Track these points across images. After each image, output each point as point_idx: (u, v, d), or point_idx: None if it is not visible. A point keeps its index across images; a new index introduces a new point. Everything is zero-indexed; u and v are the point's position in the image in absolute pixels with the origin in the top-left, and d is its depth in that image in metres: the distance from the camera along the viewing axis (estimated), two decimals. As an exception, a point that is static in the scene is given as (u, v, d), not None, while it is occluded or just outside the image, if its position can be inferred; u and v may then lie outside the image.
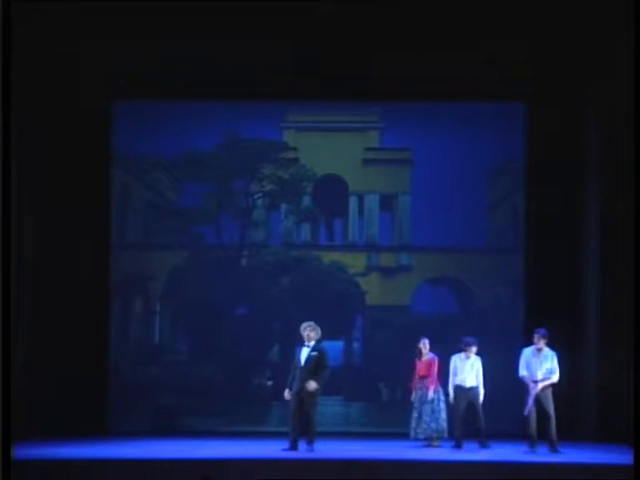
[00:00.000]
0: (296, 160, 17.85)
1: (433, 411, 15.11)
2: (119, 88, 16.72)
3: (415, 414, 15.22)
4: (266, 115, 17.58)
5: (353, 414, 17.54)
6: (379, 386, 17.64)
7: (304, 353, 13.86)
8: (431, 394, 15.11)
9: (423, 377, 15.22)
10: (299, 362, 13.86)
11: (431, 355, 15.27)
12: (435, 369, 15.20)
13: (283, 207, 18.00)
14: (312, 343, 13.87)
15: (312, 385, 13.69)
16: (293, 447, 13.78)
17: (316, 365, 13.75)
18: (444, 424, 15.13)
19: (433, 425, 15.08)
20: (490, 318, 17.39)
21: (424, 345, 15.28)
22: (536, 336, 14.11)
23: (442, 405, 15.14)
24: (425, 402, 15.14)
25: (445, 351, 15.24)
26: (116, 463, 12.78)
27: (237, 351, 17.43)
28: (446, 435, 15.13)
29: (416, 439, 15.20)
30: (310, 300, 17.46)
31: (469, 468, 12.83)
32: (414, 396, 15.31)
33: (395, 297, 17.72)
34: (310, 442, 13.80)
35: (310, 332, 13.89)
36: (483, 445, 14.66)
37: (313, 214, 17.94)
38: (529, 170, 17.29)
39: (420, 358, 15.30)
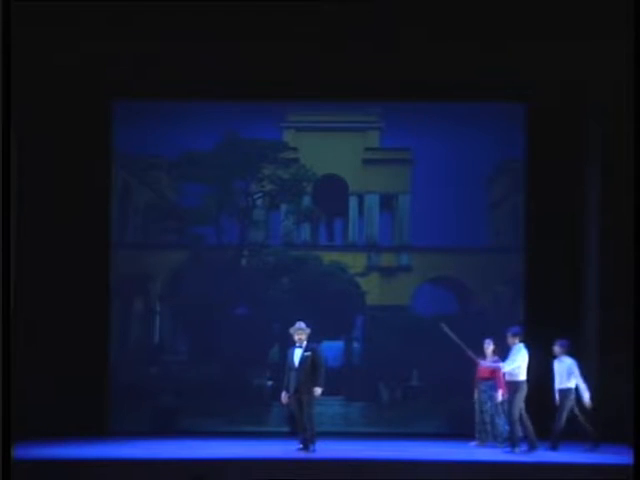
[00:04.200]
0: (296, 160, 17.85)
1: (503, 413, 15.03)
2: (119, 88, 16.72)
3: (481, 416, 15.21)
4: (266, 115, 17.57)
5: (353, 414, 17.53)
6: (379, 386, 17.63)
7: (297, 354, 13.93)
8: (500, 397, 15.02)
9: (486, 379, 15.18)
10: (293, 364, 13.92)
11: (496, 357, 15.15)
12: (500, 372, 14.96)
13: (283, 207, 18.00)
14: (304, 344, 13.94)
15: (318, 392, 13.79)
16: (305, 446, 13.81)
17: (311, 365, 13.81)
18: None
19: (506, 427, 14.91)
20: (490, 318, 17.38)
21: (487, 346, 15.23)
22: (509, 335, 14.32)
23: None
24: (494, 404, 15.10)
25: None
26: (116, 463, 12.79)
27: (237, 351, 17.42)
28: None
29: (484, 442, 15.14)
30: (310, 300, 17.46)
31: (469, 468, 12.83)
32: (476, 397, 15.29)
33: (395, 297, 17.71)
34: (310, 442, 13.81)
35: (300, 334, 13.95)
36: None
37: (313, 214, 17.93)
38: (529, 170, 17.29)
39: (484, 359, 15.26)
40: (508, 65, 16.14)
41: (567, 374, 14.54)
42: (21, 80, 14.37)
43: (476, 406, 15.37)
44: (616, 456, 13.37)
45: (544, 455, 13.75)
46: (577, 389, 14.54)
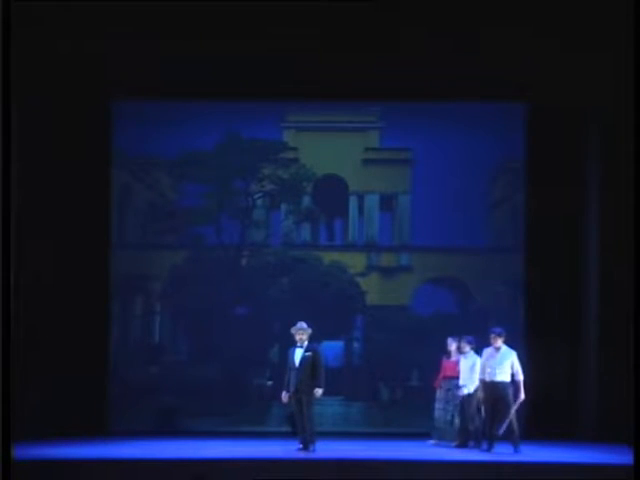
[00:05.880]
0: (296, 160, 17.87)
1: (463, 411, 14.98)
2: (119, 88, 16.71)
3: (441, 414, 15.21)
4: (266, 115, 17.59)
5: (353, 414, 17.54)
6: (379, 386, 17.64)
7: (298, 354, 13.93)
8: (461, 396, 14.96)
9: (450, 377, 15.15)
10: (293, 363, 13.92)
11: (460, 356, 15.10)
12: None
13: (283, 207, 18.01)
14: (305, 344, 13.93)
15: (319, 393, 13.78)
16: (305, 446, 13.82)
17: (311, 365, 13.81)
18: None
19: (465, 425, 14.90)
20: (490, 318, 17.37)
21: (450, 345, 15.21)
22: (492, 335, 14.09)
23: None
24: (457, 403, 15.07)
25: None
26: (116, 463, 12.79)
27: (237, 351, 17.44)
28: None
29: (443, 440, 15.12)
30: (310, 300, 17.47)
31: (469, 468, 12.83)
32: (438, 395, 15.29)
33: (395, 297, 17.72)
34: (310, 442, 13.81)
35: (301, 335, 13.95)
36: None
37: (313, 214, 17.95)
38: (529, 170, 17.28)
39: (448, 358, 15.25)
40: (508, 65, 16.14)
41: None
42: (21, 80, 14.36)
43: (437, 405, 15.29)
44: (616, 456, 13.37)
45: (545, 455, 13.75)
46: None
